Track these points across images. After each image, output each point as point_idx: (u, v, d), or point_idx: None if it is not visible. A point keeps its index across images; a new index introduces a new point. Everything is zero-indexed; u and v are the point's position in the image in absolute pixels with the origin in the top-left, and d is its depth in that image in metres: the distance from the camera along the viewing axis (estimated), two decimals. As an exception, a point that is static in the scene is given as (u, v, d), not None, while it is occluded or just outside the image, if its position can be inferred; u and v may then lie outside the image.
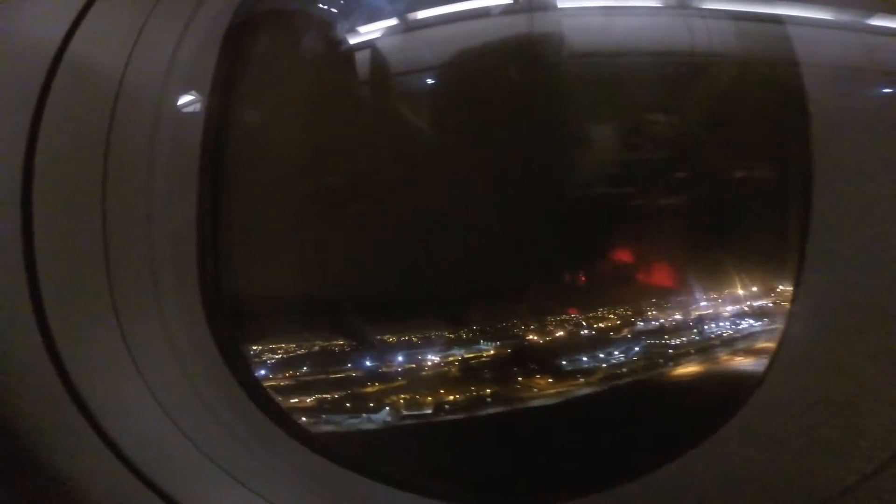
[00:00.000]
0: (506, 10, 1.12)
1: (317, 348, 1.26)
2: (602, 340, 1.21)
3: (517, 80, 1.12)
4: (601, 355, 1.21)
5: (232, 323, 1.00)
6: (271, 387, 1.18)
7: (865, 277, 0.78)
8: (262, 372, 1.15)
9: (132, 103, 0.89)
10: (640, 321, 1.22)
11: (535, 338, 1.24)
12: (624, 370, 1.21)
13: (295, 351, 1.25)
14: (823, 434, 0.76)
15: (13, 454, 0.80)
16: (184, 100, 0.96)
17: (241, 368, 0.99)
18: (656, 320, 1.21)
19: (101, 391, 0.86)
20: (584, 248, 1.13)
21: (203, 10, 0.95)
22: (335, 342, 1.24)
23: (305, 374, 1.25)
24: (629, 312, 1.22)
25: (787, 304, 0.83)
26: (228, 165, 1.00)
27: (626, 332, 1.22)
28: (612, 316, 1.22)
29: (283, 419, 0.99)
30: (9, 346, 0.81)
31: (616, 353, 1.21)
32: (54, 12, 0.83)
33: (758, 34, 0.97)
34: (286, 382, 1.24)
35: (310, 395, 1.22)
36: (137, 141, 0.91)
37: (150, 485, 0.86)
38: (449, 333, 1.23)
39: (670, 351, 1.18)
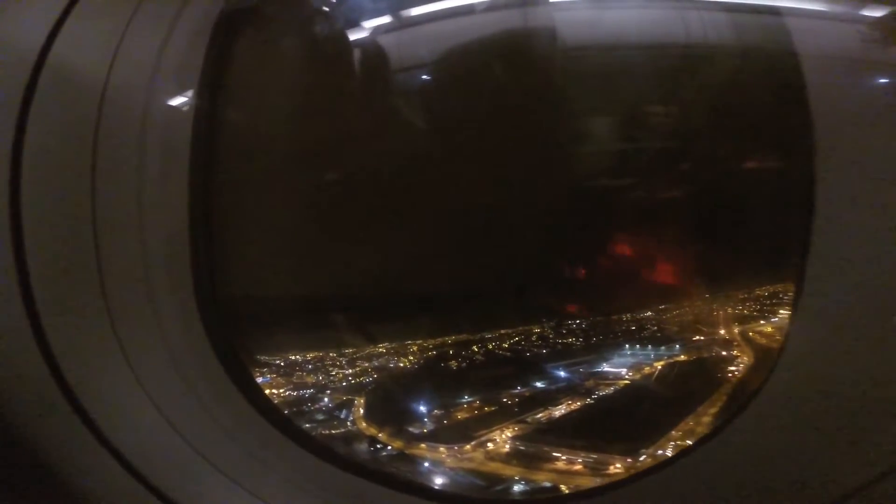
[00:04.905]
0: (501, 5, 1.10)
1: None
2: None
3: (513, 75, 1.11)
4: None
5: (227, 324, 0.99)
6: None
7: (871, 275, 0.76)
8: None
9: (119, 103, 0.88)
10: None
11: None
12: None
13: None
14: (827, 437, 0.75)
15: (10, 459, 0.81)
16: (172, 99, 0.94)
17: (237, 369, 0.98)
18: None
19: (98, 395, 0.86)
20: (583, 245, 1.12)
21: (189, 9, 0.93)
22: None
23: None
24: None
25: (790, 303, 0.82)
26: (219, 166, 0.98)
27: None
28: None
29: (281, 420, 0.99)
30: (4, 350, 0.81)
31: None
32: (36, 13, 0.82)
33: (756, 26, 0.96)
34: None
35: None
36: (126, 141, 0.90)
37: (148, 485, 0.86)
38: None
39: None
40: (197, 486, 0.91)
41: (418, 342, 1.23)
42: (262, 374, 1.19)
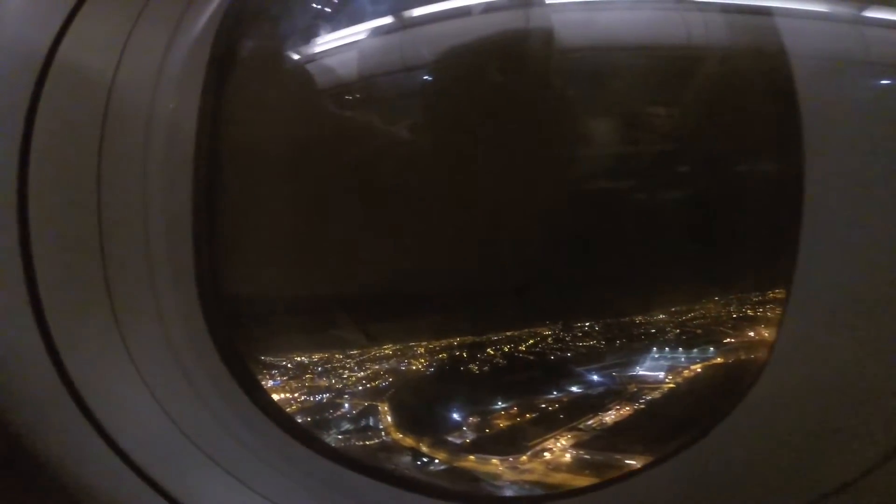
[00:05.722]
0: (496, 7, 1.11)
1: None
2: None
3: (511, 75, 1.12)
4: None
5: (229, 321, 1.00)
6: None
7: (862, 269, 0.77)
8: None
9: (124, 104, 0.90)
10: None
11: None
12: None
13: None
14: (821, 429, 0.76)
15: (11, 452, 0.81)
16: (176, 100, 0.96)
17: (238, 366, 0.99)
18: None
19: (101, 391, 0.87)
20: (582, 246, 1.12)
21: (192, 11, 0.95)
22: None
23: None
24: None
25: (783, 299, 0.81)
26: (222, 166, 1.00)
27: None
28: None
29: (282, 417, 0.99)
30: (7, 345, 0.82)
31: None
32: (43, 15, 0.84)
33: (746, 26, 0.96)
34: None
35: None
36: (131, 141, 0.92)
37: (149, 481, 0.87)
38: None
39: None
40: (196, 481, 0.91)
41: (423, 343, 1.21)
42: (273, 378, 1.18)
